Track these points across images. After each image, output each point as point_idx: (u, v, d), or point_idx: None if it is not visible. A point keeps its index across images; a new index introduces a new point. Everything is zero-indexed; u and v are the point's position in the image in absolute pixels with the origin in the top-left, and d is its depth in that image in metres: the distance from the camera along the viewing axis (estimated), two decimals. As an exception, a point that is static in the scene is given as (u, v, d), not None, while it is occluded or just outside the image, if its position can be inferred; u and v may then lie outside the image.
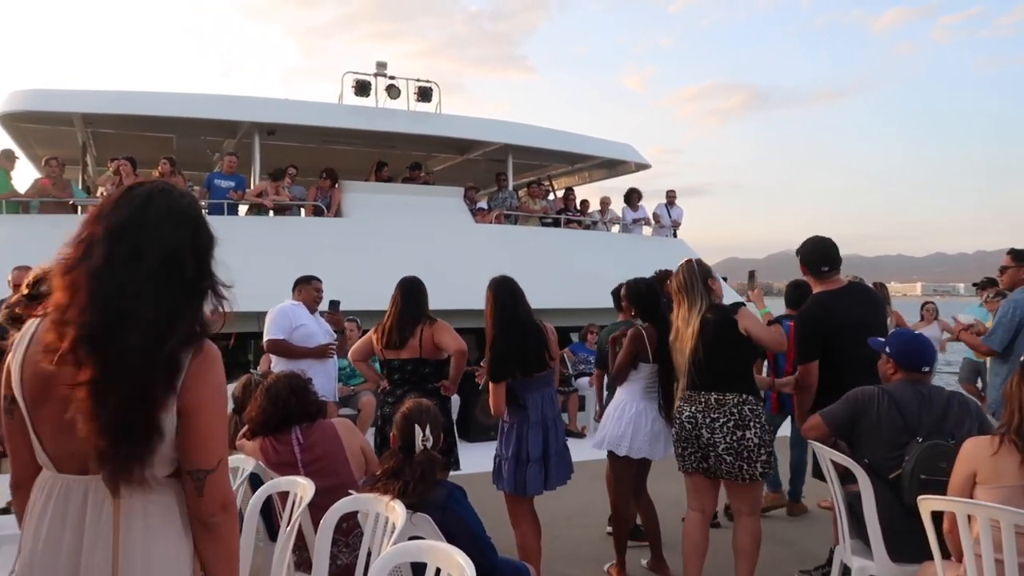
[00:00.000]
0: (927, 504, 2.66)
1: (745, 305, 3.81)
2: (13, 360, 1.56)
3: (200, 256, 1.56)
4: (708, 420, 3.63)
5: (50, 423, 1.52)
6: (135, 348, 1.44)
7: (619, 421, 4.33)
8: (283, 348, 5.38)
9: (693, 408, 3.69)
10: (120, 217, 1.50)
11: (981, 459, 2.62)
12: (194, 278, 1.53)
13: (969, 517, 2.54)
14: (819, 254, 4.05)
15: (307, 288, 5.67)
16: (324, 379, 5.42)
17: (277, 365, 5.31)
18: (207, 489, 1.54)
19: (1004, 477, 2.55)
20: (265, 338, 5.44)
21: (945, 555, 2.71)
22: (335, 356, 5.62)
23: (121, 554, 1.49)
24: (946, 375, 10.95)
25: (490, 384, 3.94)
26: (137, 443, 1.46)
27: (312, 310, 5.63)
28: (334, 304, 5.69)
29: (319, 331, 5.54)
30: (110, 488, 1.50)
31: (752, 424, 3.60)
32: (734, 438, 3.59)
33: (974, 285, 9.27)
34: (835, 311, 3.93)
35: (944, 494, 2.72)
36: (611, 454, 4.38)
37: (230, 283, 1.60)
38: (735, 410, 3.61)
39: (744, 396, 3.63)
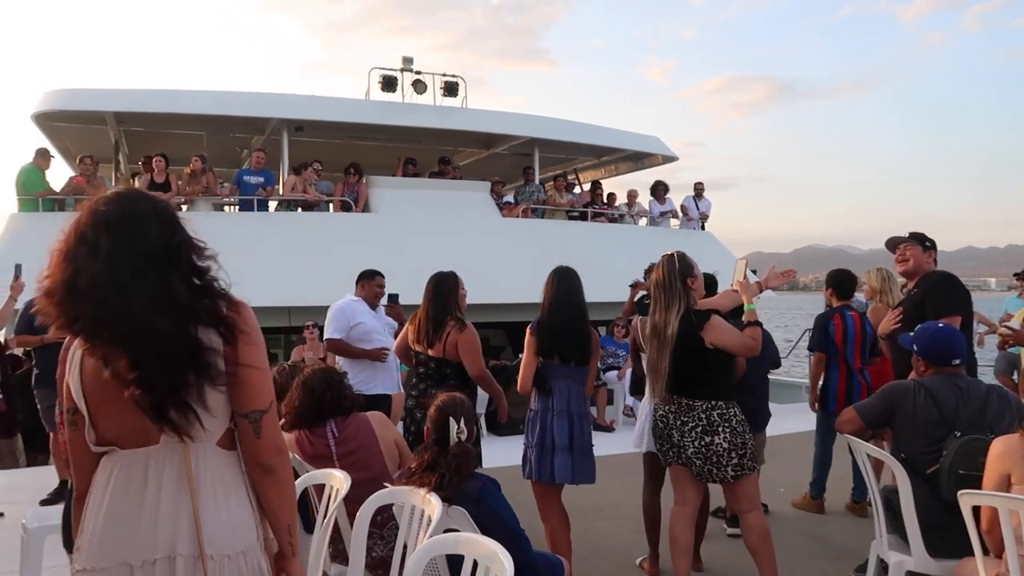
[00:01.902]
0: (968, 499, 2.63)
1: (714, 316, 3.64)
2: (70, 372, 1.65)
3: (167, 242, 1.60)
4: (678, 423, 3.65)
5: (109, 404, 1.60)
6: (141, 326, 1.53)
7: (639, 419, 4.44)
8: (341, 348, 5.43)
9: (666, 408, 3.71)
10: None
11: (1014, 459, 2.59)
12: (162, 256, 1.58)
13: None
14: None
15: (369, 284, 5.68)
16: (385, 373, 5.48)
17: (340, 361, 5.39)
18: (264, 431, 1.65)
19: None
20: (324, 336, 5.52)
21: (986, 551, 2.68)
22: (391, 355, 5.65)
23: (200, 511, 1.59)
24: (983, 367, 10.75)
25: (523, 357, 3.98)
26: (186, 401, 1.56)
27: (373, 306, 5.64)
28: (393, 297, 5.72)
29: (378, 326, 5.55)
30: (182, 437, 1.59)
31: (721, 429, 3.57)
32: (702, 443, 3.58)
33: (1015, 276, 9.10)
34: None
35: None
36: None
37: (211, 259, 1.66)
38: (703, 415, 3.60)
39: (713, 402, 3.60)
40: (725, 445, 3.56)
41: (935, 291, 4.09)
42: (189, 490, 1.59)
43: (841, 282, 5.52)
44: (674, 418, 3.66)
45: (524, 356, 4.00)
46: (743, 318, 3.73)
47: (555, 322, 3.96)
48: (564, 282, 4.02)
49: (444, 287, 4.51)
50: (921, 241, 4.28)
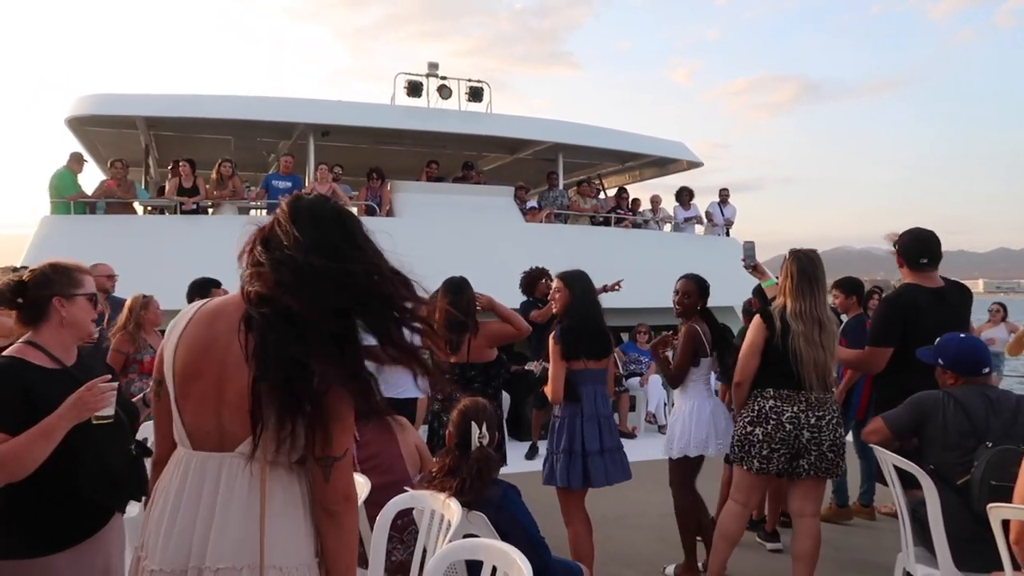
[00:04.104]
0: (998, 512, 2.57)
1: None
2: (167, 344, 1.67)
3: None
4: (812, 420, 3.58)
5: (194, 400, 1.61)
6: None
7: (674, 423, 4.33)
8: (372, 354, 5.44)
9: (795, 408, 3.59)
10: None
11: None
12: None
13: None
14: (922, 245, 3.95)
15: None
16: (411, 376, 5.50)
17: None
18: (333, 477, 1.61)
19: None
20: None
21: (1016, 565, 2.62)
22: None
23: (266, 525, 1.57)
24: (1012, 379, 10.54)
25: (551, 368, 3.97)
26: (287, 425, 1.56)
27: None
28: None
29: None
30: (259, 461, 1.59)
31: (841, 420, 3.70)
32: (836, 435, 3.62)
33: None
34: (921, 306, 3.84)
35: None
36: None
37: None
38: (834, 406, 3.66)
39: (831, 394, 3.70)
40: (844, 438, 3.69)
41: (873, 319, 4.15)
42: (260, 504, 1.57)
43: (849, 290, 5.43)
44: (806, 416, 3.58)
45: (552, 368, 3.97)
46: (771, 291, 3.95)
47: (578, 324, 3.97)
48: (579, 285, 4.05)
49: (463, 296, 4.52)
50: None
